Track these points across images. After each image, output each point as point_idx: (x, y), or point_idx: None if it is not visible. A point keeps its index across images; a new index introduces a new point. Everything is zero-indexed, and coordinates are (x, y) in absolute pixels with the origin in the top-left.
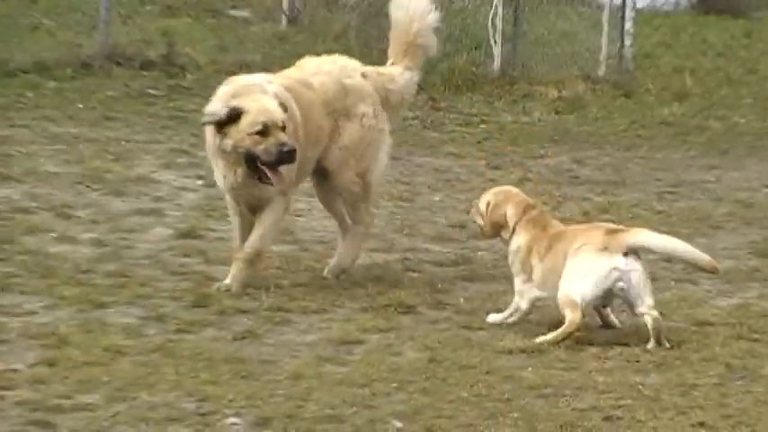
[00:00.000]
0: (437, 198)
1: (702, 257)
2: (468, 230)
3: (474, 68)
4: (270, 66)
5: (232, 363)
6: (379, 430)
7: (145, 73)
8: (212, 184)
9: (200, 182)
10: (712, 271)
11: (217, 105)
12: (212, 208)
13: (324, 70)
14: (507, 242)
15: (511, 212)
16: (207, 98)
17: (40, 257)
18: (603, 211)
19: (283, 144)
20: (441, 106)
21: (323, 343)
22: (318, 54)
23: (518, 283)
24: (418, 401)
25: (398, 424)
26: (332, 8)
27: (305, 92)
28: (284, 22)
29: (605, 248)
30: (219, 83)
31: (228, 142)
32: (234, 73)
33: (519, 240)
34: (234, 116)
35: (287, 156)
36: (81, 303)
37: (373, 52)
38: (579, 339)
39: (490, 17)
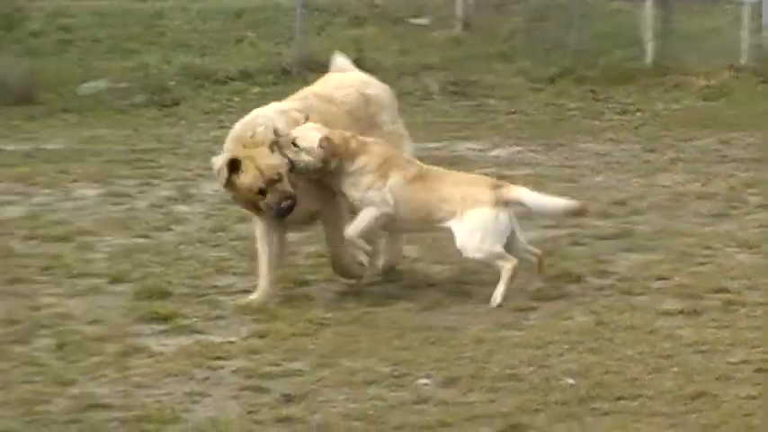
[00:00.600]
0: (599, 179)
1: (571, 204)
2: (629, 207)
3: (629, 62)
4: (448, 65)
5: (421, 330)
6: (554, 387)
7: None
8: None
9: None
10: (582, 213)
11: (219, 164)
12: None
13: (347, 83)
14: (345, 165)
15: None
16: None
17: (249, 242)
18: (748, 185)
19: (281, 200)
20: (600, 98)
21: (501, 311)
22: (489, 55)
23: (372, 192)
24: (588, 360)
25: (571, 381)
26: (501, 13)
27: (325, 106)
28: (459, 27)
29: (497, 203)
30: (403, 84)
31: (233, 195)
32: (415, 74)
33: (373, 159)
34: (234, 167)
35: (285, 211)
36: (287, 282)
37: (537, 51)
38: (731, 301)
39: (643, 16)
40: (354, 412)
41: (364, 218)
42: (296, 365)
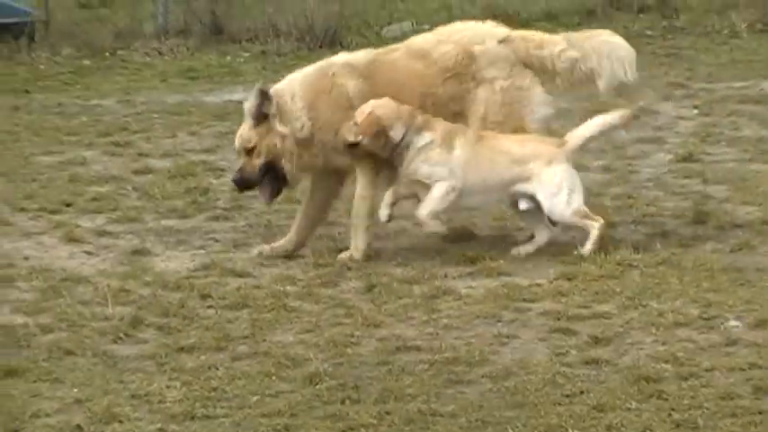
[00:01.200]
0: None
1: (617, 116)
2: None
3: None
4: (755, 2)
5: (730, 272)
6: None
7: (642, 16)
8: (707, 113)
9: (695, 111)
10: (628, 122)
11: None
12: (708, 134)
13: (453, 39)
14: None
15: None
16: (699, 36)
17: None
18: None
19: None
20: None
21: None
22: None
23: (443, 169)
24: None
25: None
26: None
27: (409, 63)
28: None
29: (569, 160)
30: (709, 22)
31: None
32: (721, 12)
33: (437, 133)
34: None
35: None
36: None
37: None
38: None
39: None
40: (663, 354)
41: (436, 195)
42: (604, 308)
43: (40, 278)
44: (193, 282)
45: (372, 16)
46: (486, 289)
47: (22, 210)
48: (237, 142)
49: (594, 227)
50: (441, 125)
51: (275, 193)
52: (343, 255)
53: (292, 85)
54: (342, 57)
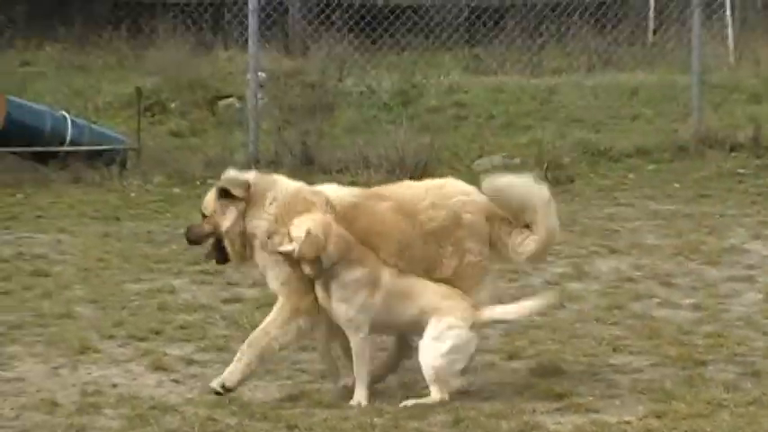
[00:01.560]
0: None
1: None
2: None
3: None
4: None
5: None
6: None
7: (734, 154)
8: None
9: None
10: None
11: None
12: None
13: (444, 203)
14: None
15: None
16: None
17: (645, 321)
18: None
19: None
20: None
21: None
22: None
23: (353, 311)
24: None
25: None
26: None
27: (390, 218)
28: None
29: (473, 324)
30: None
31: None
32: None
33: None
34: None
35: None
36: (684, 361)
37: None
38: None
39: None
40: None
41: (362, 350)
42: None
43: (127, 406)
44: (280, 412)
45: (463, 149)
46: (574, 425)
47: (111, 337)
48: (203, 204)
49: (434, 398)
50: (371, 261)
51: (221, 260)
52: (214, 382)
53: (279, 190)
54: (332, 191)
